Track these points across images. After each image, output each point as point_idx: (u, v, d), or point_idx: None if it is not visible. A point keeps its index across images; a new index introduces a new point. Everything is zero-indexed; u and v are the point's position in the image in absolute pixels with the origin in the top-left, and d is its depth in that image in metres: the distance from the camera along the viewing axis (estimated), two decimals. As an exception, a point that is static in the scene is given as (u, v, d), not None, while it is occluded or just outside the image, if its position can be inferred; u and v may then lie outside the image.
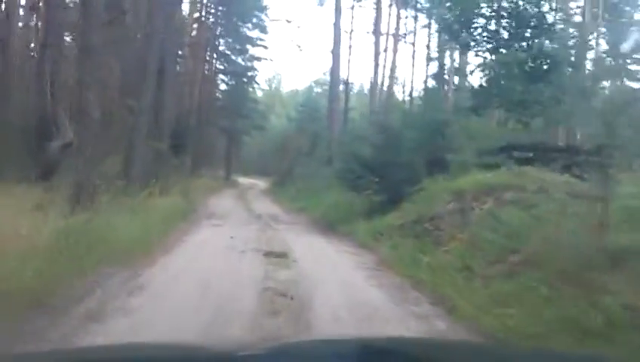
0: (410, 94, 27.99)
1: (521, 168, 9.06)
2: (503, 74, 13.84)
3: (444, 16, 16.19)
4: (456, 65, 24.08)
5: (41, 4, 16.39)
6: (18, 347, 3.40)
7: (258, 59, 32.91)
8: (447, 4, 15.89)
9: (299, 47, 49.05)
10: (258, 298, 5.07)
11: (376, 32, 26.01)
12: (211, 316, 4.35)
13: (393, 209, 10.36)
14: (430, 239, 7.86)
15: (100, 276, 5.43)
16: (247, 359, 1.62)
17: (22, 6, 19.16)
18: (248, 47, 32.29)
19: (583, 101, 13.29)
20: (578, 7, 23.67)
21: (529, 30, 14.30)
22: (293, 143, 29.67)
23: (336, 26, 24.37)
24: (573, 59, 15.52)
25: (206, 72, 31.76)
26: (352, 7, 27.29)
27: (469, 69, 21.28)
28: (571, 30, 19.27)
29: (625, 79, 22.51)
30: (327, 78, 30.26)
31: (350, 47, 26.90)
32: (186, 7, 26.14)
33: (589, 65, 19.56)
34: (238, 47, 32.21)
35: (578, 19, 22.55)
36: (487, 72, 14.79)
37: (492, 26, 14.84)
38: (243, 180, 33.88)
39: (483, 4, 14.65)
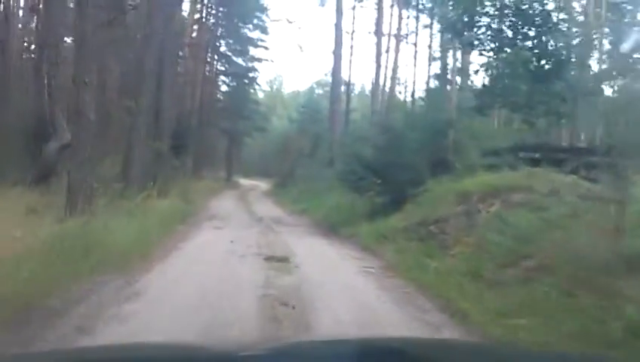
0: (412, 95, 27.79)
1: (528, 169, 8.84)
2: (507, 73, 13.63)
3: (448, 15, 15.99)
4: (458, 65, 23.87)
5: (41, 6, 16.24)
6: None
7: (259, 60, 32.82)
8: (450, 3, 15.69)
9: (300, 47, 48.80)
10: (258, 307, 4.85)
11: (378, 32, 25.82)
12: (208, 326, 4.13)
13: (396, 211, 10.17)
14: (435, 242, 7.65)
15: (94, 282, 5.23)
16: (248, 359, 1.61)
17: (21, 7, 19.11)
18: (249, 48, 32.14)
19: (591, 100, 13.09)
20: (581, 6, 23.48)
21: (534, 29, 14.10)
22: (294, 145, 29.53)
23: (338, 26, 24.22)
24: (577, 58, 15.30)
25: (207, 73, 31.63)
26: (354, 8, 27.15)
27: (472, 68, 21.15)
28: (574, 30, 19.07)
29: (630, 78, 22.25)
30: (329, 79, 30.07)
31: (352, 47, 26.72)
32: (186, 8, 25.96)
33: (592, 65, 19.36)
34: (238, 48, 32.08)
35: (580, 18, 22.35)
36: (491, 71, 14.57)
37: (496, 25, 14.64)
38: (244, 182, 33.74)
39: (487, 3, 14.44)
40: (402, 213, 9.76)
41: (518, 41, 14.13)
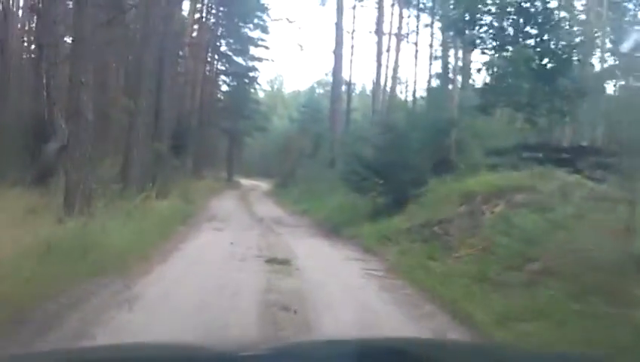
0: (414, 94, 27.66)
1: (531, 169, 8.73)
2: (510, 71, 13.51)
3: (449, 13, 15.87)
4: (459, 64, 23.74)
5: (40, 5, 16.14)
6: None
7: (259, 59, 32.71)
8: (452, 2, 15.57)
9: (300, 46, 48.60)
10: (258, 312, 4.72)
11: (379, 31, 25.68)
12: (205, 333, 4.01)
13: (399, 211, 10.06)
14: (439, 243, 7.53)
15: (90, 286, 5.11)
16: (248, 359, 1.61)
17: (21, 7, 19.02)
18: (250, 47, 32.03)
19: (594, 99, 12.96)
20: (582, 5, 23.35)
21: (536, 27, 13.98)
22: (295, 144, 29.43)
23: (338, 25, 24.12)
24: (580, 56, 15.18)
25: (207, 72, 31.55)
26: (354, 7, 27.01)
27: (474, 67, 21.01)
28: (576, 28, 18.94)
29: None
30: (330, 78, 29.94)
31: (352, 47, 26.59)
32: (186, 8, 25.85)
33: (595, 64, 19.26)
34: (239, 47, 31.97)
35: (581, 17, 22.23)
36: (493, 70, 14.45)
37: (497, 23, 14.52)
38: (245, 182, 33.63)
39: (489, 1, 14.32)
40: (405, 213, 9.64)
41: (520, 39, 14.01)
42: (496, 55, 14.52)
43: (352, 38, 26.58)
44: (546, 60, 13.72)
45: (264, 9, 31.12)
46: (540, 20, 13.89)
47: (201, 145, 27.31)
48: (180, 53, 23.48)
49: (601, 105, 15.90)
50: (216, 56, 32.44)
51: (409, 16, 27.50)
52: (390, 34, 26.03)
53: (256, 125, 33.82)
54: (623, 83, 17.77)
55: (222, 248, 8.32)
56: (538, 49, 13.61)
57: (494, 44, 14.71)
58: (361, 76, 72.38)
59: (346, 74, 27.04)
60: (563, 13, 14.82)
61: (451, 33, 17.94)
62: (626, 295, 4.11)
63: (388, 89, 26.23)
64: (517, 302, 4.64)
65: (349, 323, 4.53)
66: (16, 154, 11.79)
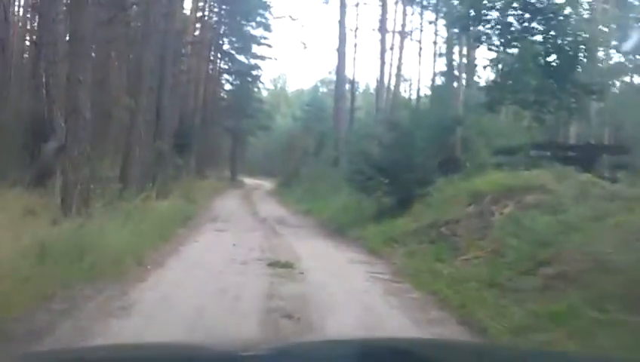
0: (418, 92, 27.44)
1: (541, 168, 8.49)
2: (516, 68, 13.25)
3: (454, 10, 15.63)
4: (464, 61, 23.47)
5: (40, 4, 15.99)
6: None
7: (262, 58, 32.49)
8: (457, -3, 15.33)
9: (304, 45, 48.27)
10: (259, 320, 4.50)
11: (382, 29, 25.44)
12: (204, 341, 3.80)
13: (404, 212, 9.85)
14: (447, 245, 7.30)
15: (83, 291, 4.91)
16: (249, 359, 1.61)
17: (21, 6, 18.89)
18: (252, 45, 31.84)
19: (602, 97, 12.69)
20: (588, 1, 23.05)
21: (542, 23, 13.72)
22: (298, 143, 29.29)
23: (342, 23, 23.88)
24: (586, 53, 14.92)
25: (210, 71, 31.41)
26: (357, 5, 26.80)
27: (479, 64, 20.76)
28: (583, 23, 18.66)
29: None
30: (333, 76, 29.72)
31: (356, 45, 26.46)
32: (188, 6, 25.66)
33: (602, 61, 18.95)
34: (242, 45, 31.78)
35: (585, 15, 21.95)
36: (500, 66, 14.20)
37: (503, 19, 14.26)
38: (248, 181, 33.49)
39: (495, -4, 14.07)
40: (411, 214, 9.43)
41: (526, 35, 13.76)
42: (504, 51, 14.27)
43: (356, 35, 26.49)
44: (553, 57, 13.48)
45: (266, 7, 30.92)
46: (546, 16, 13.64)
47: (205, 144, 27.19)
48: (183, 51, 23.32)
49: (609, 102, 15.63)
50: (218, 55, 32.31)
51: (413, 14, 27.28)
52: (394, 31, 25.84)
53: (260, 124, 33.67)
54: (628, 80, 17.50)
55: (223, 250, 8.11)
56: (545, 45, 13.36)
57: (500, 40, 14.48)
58: (364, 74, 72.50)
59: (350, 72, 26.94)
60: (568, 10, 14.55)
61: (456, 30, 17.72)
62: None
63: (392, 87, 26.02)
64: (531, 308, 4.40)
65: (353, 330, 4.33)
66: (16, 154, 11.64)
